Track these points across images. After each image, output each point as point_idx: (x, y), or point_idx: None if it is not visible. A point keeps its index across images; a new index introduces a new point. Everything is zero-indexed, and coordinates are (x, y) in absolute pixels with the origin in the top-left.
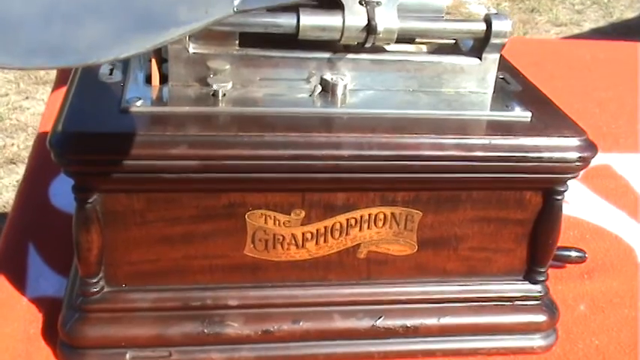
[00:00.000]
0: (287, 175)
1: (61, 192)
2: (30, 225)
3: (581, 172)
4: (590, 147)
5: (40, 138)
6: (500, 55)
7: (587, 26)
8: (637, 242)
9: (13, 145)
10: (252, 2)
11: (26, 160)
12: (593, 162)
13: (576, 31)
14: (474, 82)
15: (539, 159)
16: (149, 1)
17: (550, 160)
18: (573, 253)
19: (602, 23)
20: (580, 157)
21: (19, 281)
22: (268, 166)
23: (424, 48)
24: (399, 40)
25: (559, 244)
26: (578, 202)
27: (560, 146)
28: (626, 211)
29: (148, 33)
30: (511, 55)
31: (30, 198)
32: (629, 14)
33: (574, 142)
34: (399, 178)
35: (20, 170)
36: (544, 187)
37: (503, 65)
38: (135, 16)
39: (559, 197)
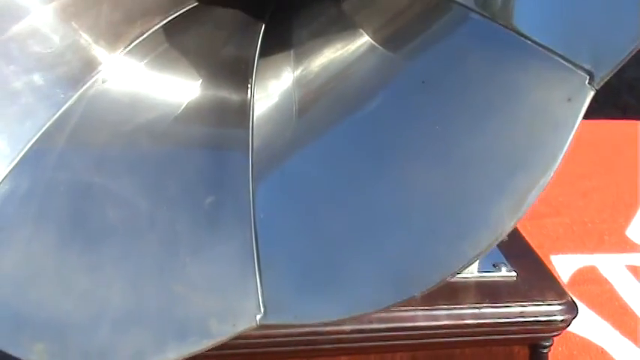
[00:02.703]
0: (296, 347)
1: None
2: None
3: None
4: (571, 309)
5: None
6: None
7: None
8: (621, 356)
9: None
10: (273, 318)
11: None
12: (580, 263)
13: None
14: None
15: (525, 323)
16: (186, 315)
17: (534, 323)
18: None
19: None
20: (562, 320)
21: None
22: (279, 342)
23: None
24: None
25: None
26: None
27: (544, 311)
28: (611, 322)
29: (184, 343)
30: None
31: None
32: None
33: (556, 307)
34: (397, 344)
35: None
36: (530, 343)
37: None
38: (173, 328)
39: (544, 350)
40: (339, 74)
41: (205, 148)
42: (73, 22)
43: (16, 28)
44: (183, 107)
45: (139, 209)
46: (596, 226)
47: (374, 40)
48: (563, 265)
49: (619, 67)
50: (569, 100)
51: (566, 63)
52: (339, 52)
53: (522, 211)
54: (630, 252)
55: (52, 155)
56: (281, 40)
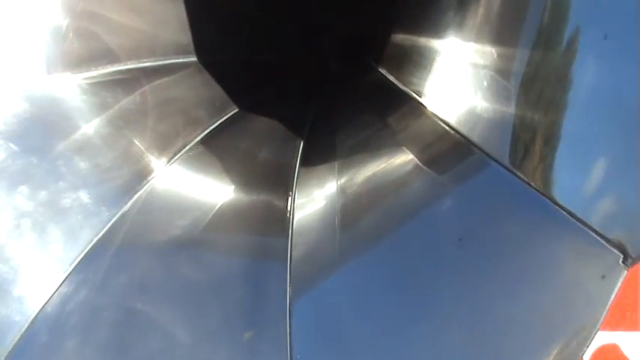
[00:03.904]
0: None
1: None
2: None
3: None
4: None
5: None
6: None
7: None
8: None
9: None
10: None
11: None
12: (601, 341)
13: None
14: None
15: None
16: None
17: None
18: None
19: None
20: None
21: None
22: None
23: None
24: None
25: None
26: None
27: None
28: None
29: None
30: None
31: None
32: None
33: None
34: None
35: None
36: None
37: None
38: None
39: None
40: (382, 189)
41: (245, 263)
42: (125, 131)
43: (65, 144)
44: (224, 213)
45: (179, 341)
46: (617, 300)
47: (418, 160)
48: None
49: None
50: (603, 277)
51: (600, 239)
52: (382, 166)
53: None
54: None
55: (98, 275)
56: (325, 150)
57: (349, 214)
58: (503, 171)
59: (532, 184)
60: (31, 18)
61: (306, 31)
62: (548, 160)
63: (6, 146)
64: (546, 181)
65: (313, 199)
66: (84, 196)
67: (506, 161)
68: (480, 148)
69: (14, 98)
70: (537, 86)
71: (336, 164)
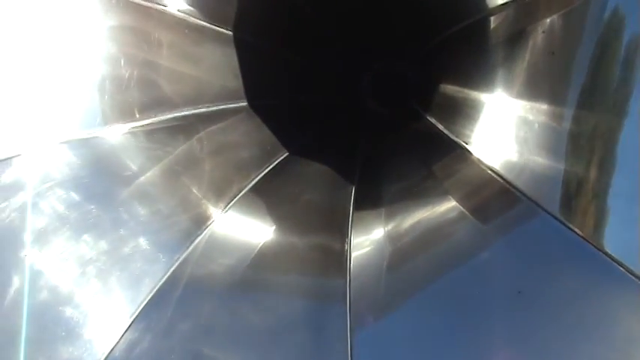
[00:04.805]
0: None
1: None
2: None
3: None
4: None
5: None
6: None
7: None
8: None
9: None
10: None
11: None
12: None
13: None
14: None
15: None
16: None
17: None
18: None
19: None
20: None
21: None
22: None
23: None
24: None
25: None
26: None
27: None
28: None
29: None
30: None
31: None
32: None
33: None
34: None
35: None
36: None
37: None
38: None
39: None
40: (428, 235)
41: (305, 305)
42: (183, 178)
43: (127, 192)
44: (282, 256)
45: None
46: None
47: (463, 207)
48: None
49: None
50: None
51: None
52: (427, 214)
53: None
54: None
55: (163, 321)
56: (373, 196)
57: (397, 258)
58: (553, 221)
59: (587, 238)
60: (95, 70)
61: (345, 72)
62: (602, 215)
63: (67, 196)
64: (600, 236)
65: (362, 244)
66: (144, 242)
67: (557, 213)
68: (526, 196)
69: (76, 148)
70: (588, 144)
71: (383, 210)
